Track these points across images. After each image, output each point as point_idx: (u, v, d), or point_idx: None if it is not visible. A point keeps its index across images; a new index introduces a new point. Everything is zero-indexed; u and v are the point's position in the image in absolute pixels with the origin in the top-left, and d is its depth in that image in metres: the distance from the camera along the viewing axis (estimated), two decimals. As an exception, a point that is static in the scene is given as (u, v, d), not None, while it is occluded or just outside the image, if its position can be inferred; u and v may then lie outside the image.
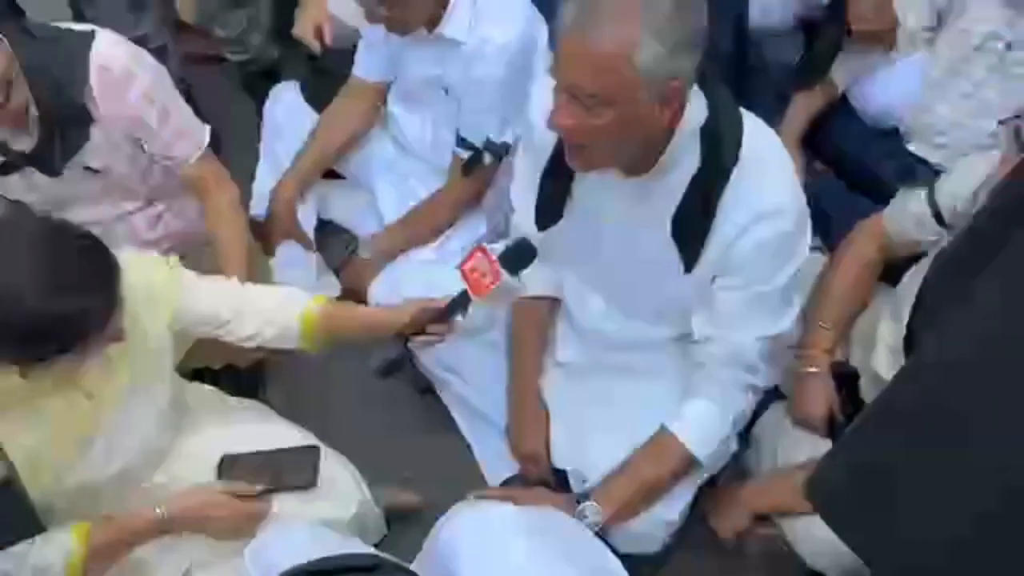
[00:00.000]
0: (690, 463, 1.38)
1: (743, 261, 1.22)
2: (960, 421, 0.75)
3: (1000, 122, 1.51)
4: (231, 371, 1.75)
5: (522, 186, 1.40)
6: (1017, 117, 1.47)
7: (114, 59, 1.44)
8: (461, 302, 1.29)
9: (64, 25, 1.48)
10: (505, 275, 1.27)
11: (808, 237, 1.28)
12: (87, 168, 1.52)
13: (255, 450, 1.36)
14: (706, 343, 1.32)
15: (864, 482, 0.85)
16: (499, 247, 1.33)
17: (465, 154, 1.72)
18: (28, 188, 1.53)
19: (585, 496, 1.38)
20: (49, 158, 1.49)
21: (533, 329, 1.54)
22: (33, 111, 1.43)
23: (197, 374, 1.58)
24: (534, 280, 1.50)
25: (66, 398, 1.22)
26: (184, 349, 1.40)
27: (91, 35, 1.44)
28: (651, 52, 1.05)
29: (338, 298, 1.89)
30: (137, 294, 1.24)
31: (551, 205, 1.33)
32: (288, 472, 1.37)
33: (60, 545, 1.20)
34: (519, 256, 1.30)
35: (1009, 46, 1.61)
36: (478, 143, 1.69)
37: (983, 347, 0.75)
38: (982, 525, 0.75)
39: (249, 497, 1.31)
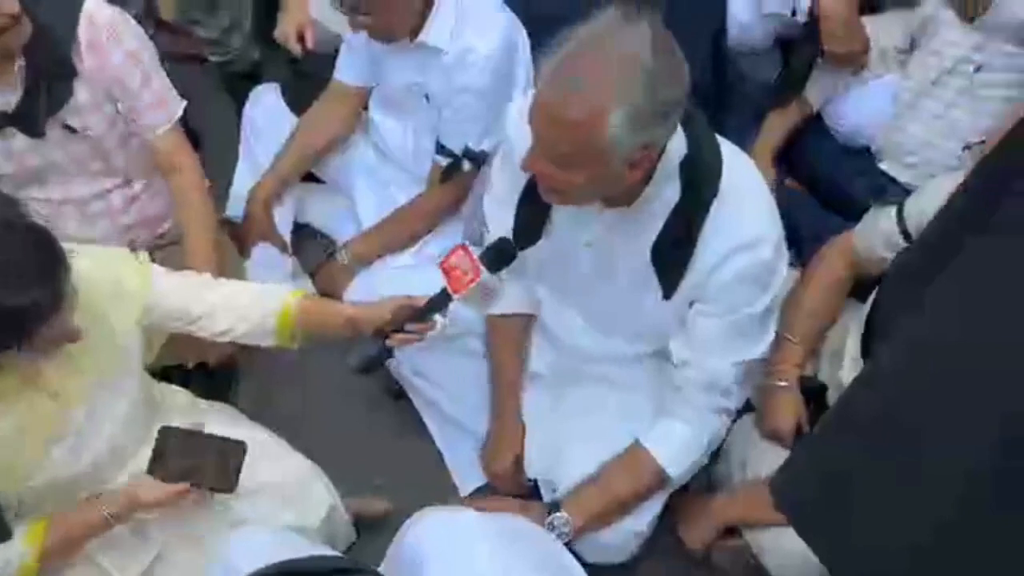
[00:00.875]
0: (661, 479, 1.40)
1: (722, 289, 1.24)
2: (914, 430, 0.77)
3: (966, 147, 1.55)
4: (202, 372, 1.73)
5: (498, 201, 1.41)
6: (982, 142, 1.51)
7: (103, 16, 1.49)
8: (441, 300, 1.29)
9: None
10: (485, 273, 1.26)
11: (785, 264, 1.30)
12: (67, 127, 1.53)
13: (191, 429, 1.32)
14: (683, 367, 1.34)
15: (824, 488, 0.86)
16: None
17: (444, 161, 1.73)
18: (5, 156, 1.53)
19: (556, 506, 1.39)
20: (32, 115, 1.49)
21: (510, 347, 1.55)
22: (20, 62, 1.44)
23: (167, 375, 1.57)
24: (510, 297, 1.51)
25: (30, 398, 1.20)
26: (157, 345, 1.39)
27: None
28: (622, 123, 1.06)
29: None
30: (104, 290, 1.24)
31: (529, 227, 1.33)
32: (211, 472, 1.31)
33: (12, 545, 1.19)
34: (499, 255, 1.30)
35: (978, 69, 1.65)
36: (458, 151, 1.70)
37: (936, 354, 0.77)
38: (940, 533, 0.77)
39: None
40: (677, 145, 1.19)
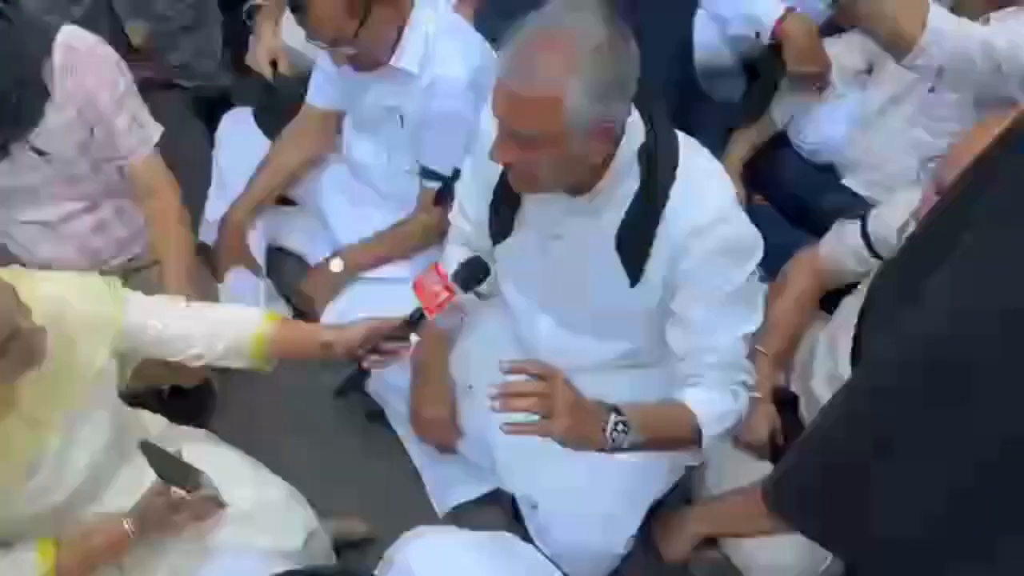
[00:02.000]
0: (695, 437, 1.32)
1: (700, 267, 1.27)
2: (910, 427, 0.79)
3: (924, 163, 1.60)
4: (177, 396, 1.72)
5: (471, 193, 1.44)
6: (939, 157, 1.56)
7: (79, 42, 1.49)
8: (415, 319, 1.30)
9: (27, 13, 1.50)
10: (459, 292, 1.28)
11: (757, 236, 1.31)
12: (35, 149, 1.52)
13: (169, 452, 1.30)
14: (691, 356, 1.34)
15: (828, 480, 0.88)
16: (453, 264, 1.35)
17: (434, 185, 1.74)
18: None
19: (618, 411, 1.23)
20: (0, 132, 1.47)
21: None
22: None
23: (141, 400, 1.55)
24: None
25: (7, 426, 1.19)
26: (130, 369, 1.38)
27: (63, 22, 1.49)
28: (579, 98, 1.11)
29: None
30: (78, 317, 1.23)
31: (502, 219, 1.36)
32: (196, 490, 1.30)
33: (25, 566, 1.17)
34: (472, 273, 1.32)
35: (932, 89, 1.70)
36: (447, 173, 1.72)
37: (934, 346, 0.79)
38: (954, 501, 0.78)
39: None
40: (635, 134, 1.24)
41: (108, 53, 1.54)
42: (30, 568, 1.18)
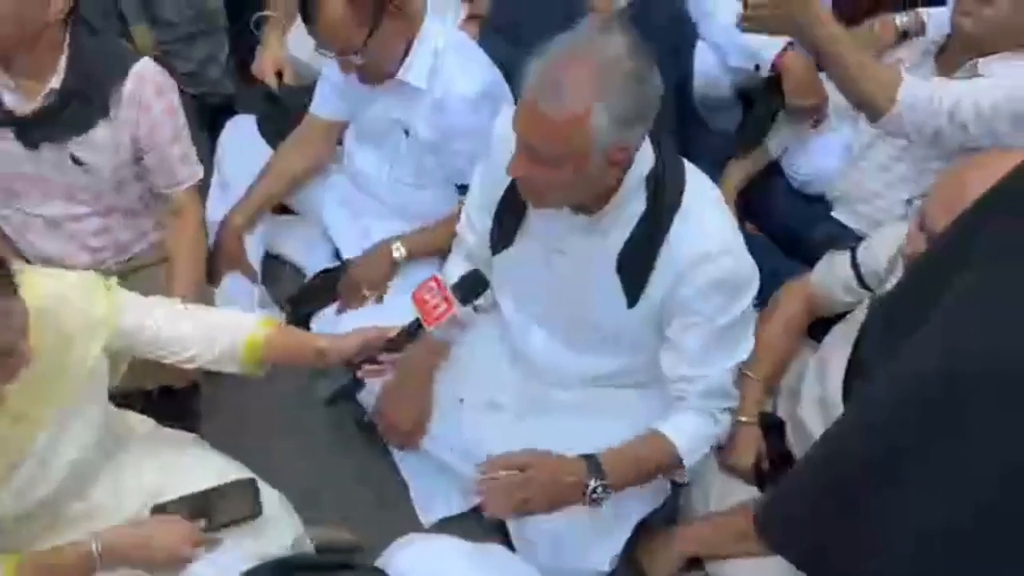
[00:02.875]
0: (677, 465, 1.40)
1: (693, 301, 1.30)
2: (901, 465, 0.81)
3: (908, 200, 1.65)
4: (165, 399, 1.72)
5: (477, 206, 1.46)
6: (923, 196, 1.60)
7: (153, 73, 1.59)
8: (413, 331, 1.31)
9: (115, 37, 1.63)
10: (458, 305, 1.28)
11: (756, 273, 1.35)
12: (73, 157, 1.57)
13: (183, 495, 1.33)
14: (681, 382, 1.38)
15: (817, 511, 0.89)
16: (453, 277, 1.36)
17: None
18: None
19: (596, 464, 1.32)
20: (40, 128, 1.53)
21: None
22: (54, 81, 1.50)
23: (128, 400, 1.55)
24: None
25: None
26: (122, 369, 1.38)
27: (140, 56, 1.59)
28: (603, 124, 1.14)
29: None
30: (72, 315, 1.23)
31: (505, 229, 1.38)
32: (225, 508, 1.35)
33: None
34: (471, 286, 1.33)
35: None
36: None
37: (927, 384, 0.81)
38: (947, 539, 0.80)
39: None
40: (644, 159, 1.27)
41: (174, 91, 1.63)
42: None
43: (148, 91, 1.57)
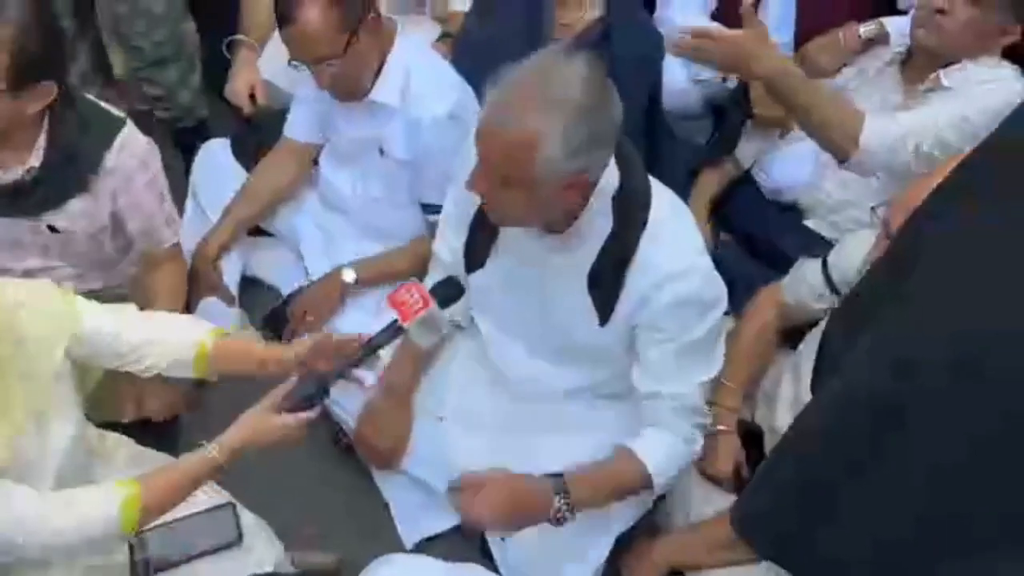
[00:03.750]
0: (647, 484, 1.40)
1: (664, 316, 1.31)
2: (852, 460, 0.82)
3: (872, 208, 1.68)
4: (144, 424, 1.70)
5: (451, 224, 1.47)
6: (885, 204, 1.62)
7: (136, 145, 1.55)
8: (390, 333, 1.28)
9: (98, 103, 1.56)
10: (434, 304, 1.27)
11: (723, 291, 1.37)
12: (49, 226, 1.55)
13: (163, 522, 1.31)
14: (653, 398, 1.39)
15: (789, 506, 0.90)
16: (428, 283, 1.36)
17: (436, 218, 1.76)
18: None
19: (560, 482, 1.33)
20: (14, 201, 1.50)
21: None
22: (34, 159, 1.46)
23: (108, 426, 1.54)
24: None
25: None
26: (91, 381, 1.37)
27: (124, 120, 1.54)
28: (554, 150, 1.15)
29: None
30: (34, 324, 1.22)
31: (479, 247, 1.39)
32: (208, 535, 1.35)
33: (103, 509, 1.17)
34: (448, 290, 1.32)
35: None
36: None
37: (874, 389, 0.83)
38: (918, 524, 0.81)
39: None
40: (610, 179, 1.28)
41: (156, 159, 1.61)
42: (113, 508, 1.18)
43: (130, 164, 1.53)
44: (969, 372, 0.75)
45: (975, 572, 0.81)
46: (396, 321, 1.27)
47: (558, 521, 1.31)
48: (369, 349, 1.29)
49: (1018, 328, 0.73)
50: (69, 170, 1.50)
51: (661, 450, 1.39)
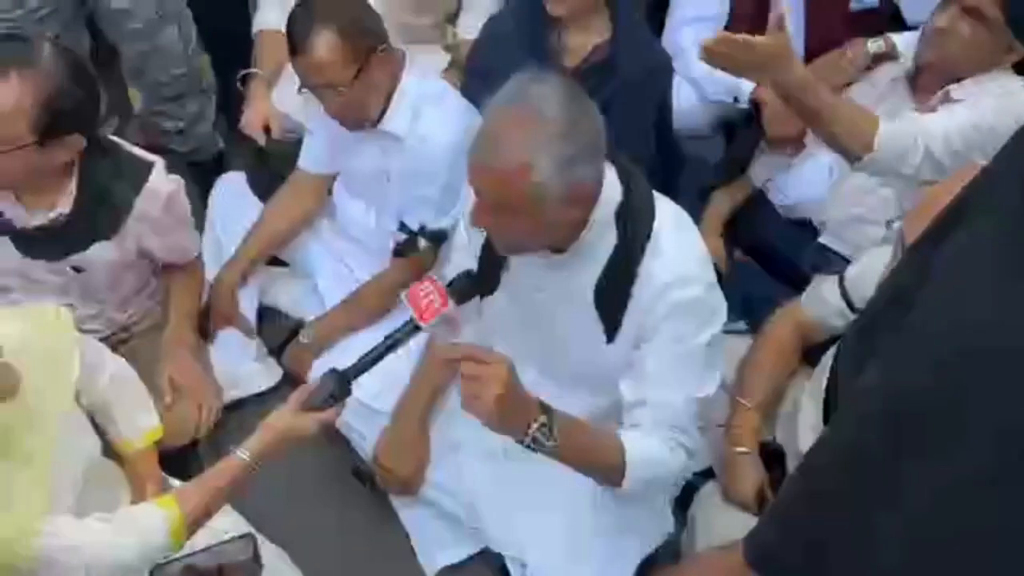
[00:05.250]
0: (617, 469, 1.33)
1: (661, 322, 1.30)
2: (885, 473, 0.81)
3: (888, 223, 1.66)
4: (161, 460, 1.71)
5: (461, 247, 1.47)
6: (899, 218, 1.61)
7: (163, 189, 1.57)
8: (407, 331, 1.27)
9: (127, 147, 1.58)
10: (452, 303, 1.26)
11: (723, 305, 1.35)
12: (73, 266, 1.57)
13: (183, 554, 1.31)
14: (638, 407, 1.36)
15: (795, 537, 0.89)
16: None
17: (401, 237, 1.79)
18: None
19: (549, 411, 1.26)
20: (40, 243, 1.52)
21: (440, 362, 1.54)
22: (63, 205, 1.48)
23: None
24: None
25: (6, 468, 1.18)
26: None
27: (152, 164, 1.57)
28: (547, 167, 1.16)
29: (280, 381, 1.91)
30: (40, 351, 1.26)
31: (489, 273, 1.39)
32: (230, 568, 1.34)
33: (152, 521, 1.19)
34: (465, 286, 1.32)
35: None
36: (415, 228, 1.76)
37: (889, 400, 0.81)
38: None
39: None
40: (612, 194, 1.28)
41: (182, 196, 1.63)
42: (158, 521, 1.20)
43: (158, 207, 1.56)
44: (954, 395, 0.74)
45: None
46: (413, 319, 1.26)
47: (533, 441, 1.22)
48: (386, 347, 1.27)
49: (996, 345, 0.72)
50: (99, 215, 1.52)
51: (642, 445, 1.33)
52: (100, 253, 1.57)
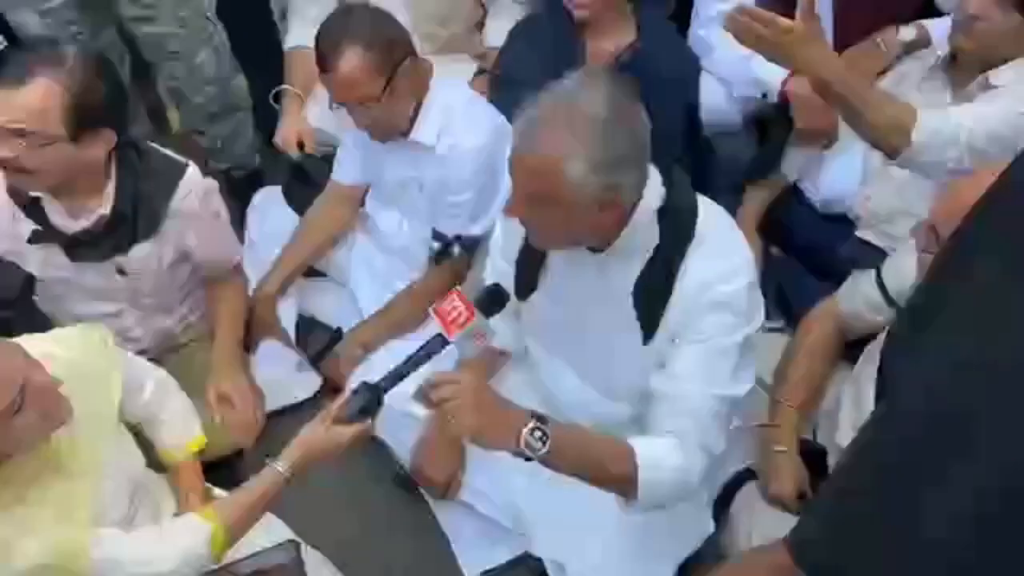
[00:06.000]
0: (630, 474, 1.28)
1: (698, 319, 1.29)
2: (911, 480, 0.80)
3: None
4: (208, 470, 1.75)
5: (501, 253, 1.48)
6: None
7: (198, 185, 1.63)
8: (435, 345, 1.28)
9: (162, 151, 1.65)
10: (479, 316, 1.27)
11: (761, 305, 1.34)
12: (118, 268, 1.63)
13: (227, 563, 1.35)
14: (660, 400, 1.34)
15: (840, 535, 0.88)
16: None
17: (437, 245, 1.81)
18: (42, 263, 1.61)
19: (543, 421, 1.23)
20: (85, 247, 1.58)
21: (473, 367, 1.57)
22: (104, 206, 1.55)
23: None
24: (498, 333, 1.53)
25: (52, 482, 1.22)
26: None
27: (186, 164, 1.63)
28: (580, 166, 1.16)
29: (319, 390, 1.94)
30: (86, 370, 1.30)
31: (528, 275, 1.40)
32: (273, 573, 1.38)
33: (194, 532, 1.24)
34: (492, 300, 1.33)
35: None
36: (450, 235, 1.78)
37: (932, 397, 0.81)
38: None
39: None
40: (655, 194, 1.28)
41: (217, 195, 1.69)
42: (198, 533, 1.25)
43: (194, 206, 1.62)
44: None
45: None
46: (442, 333, 1.27)
47: (528, 449, 1.19)
48: (415, 362, 1.29)
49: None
50: (138, 215, 1.58)
51: (655, 450, 1.29)
52: (141, 254, 1.62)
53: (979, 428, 0.76)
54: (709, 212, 1.32)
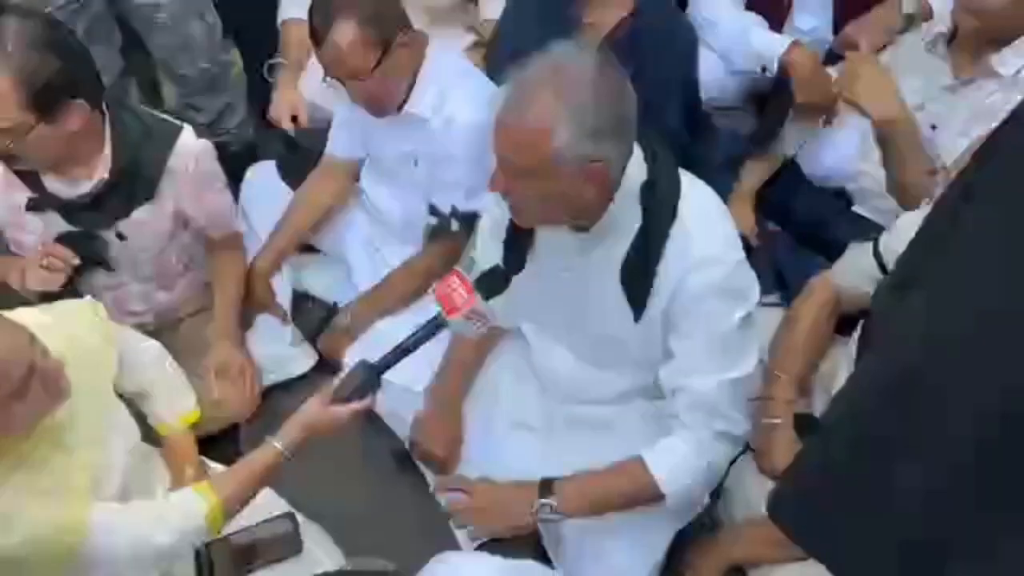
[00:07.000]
0: (656, 494, 1.37)
1: (689, 307, 1.29)
2: (882, 437, 0.81)
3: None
4: (204, 445, 1.76)
5: (489, 232, 1.48)
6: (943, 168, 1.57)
7: (194, 146, 1.63)
8: (434, 326, 1.28)
9: (157, 114, 1.65)
10: (479, 298, 1.27)
11: (755, 283, 1.34)
12: (118, 233, 1.62)
13: (225, 535, 1.36)
14: (674, 394, 1.37)
15: (819, 491, 0.89)
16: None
17: (434, 221, 1.80)
18: (34, 229, 1.60)
19: (548, 488, 1.39)
20: (85, 212, 1.57)
21: (471, 343, 1.58)
22: (102, 171, 1.54)
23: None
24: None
25: (57, 458, 1.23)
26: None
27: (181, 125, 1.63)
28: (567, 135, 1.15)
29: (315, 366, 1.93)
30: (82, 344, 1.31)
31: (516, 253, 1.40)
32: (272, 545, 1.40)
33: (190, 505, 1.25)
34: (492, 281, 1.32)
35: (934, 127, 1.72)
36: (446, 211, 1.77)
37: (905, 364, 0.81)
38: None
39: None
40: (637, 172, 1.27)
41: (213, 156, 1.68)
42: (195, 507, 1.25)
43: (190, 164, 1.61)
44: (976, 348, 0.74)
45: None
46: (440, 314, 1.27)
47: (543, 521, 1.37)
48: (414, 341, 1.29)
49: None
50: (136, 179, 1.57)
51: (672, 461, 1.36)
52: (141, 217, 1.61)
53: (950, 391, 0.77)
54: (692, 192, 1.31)
